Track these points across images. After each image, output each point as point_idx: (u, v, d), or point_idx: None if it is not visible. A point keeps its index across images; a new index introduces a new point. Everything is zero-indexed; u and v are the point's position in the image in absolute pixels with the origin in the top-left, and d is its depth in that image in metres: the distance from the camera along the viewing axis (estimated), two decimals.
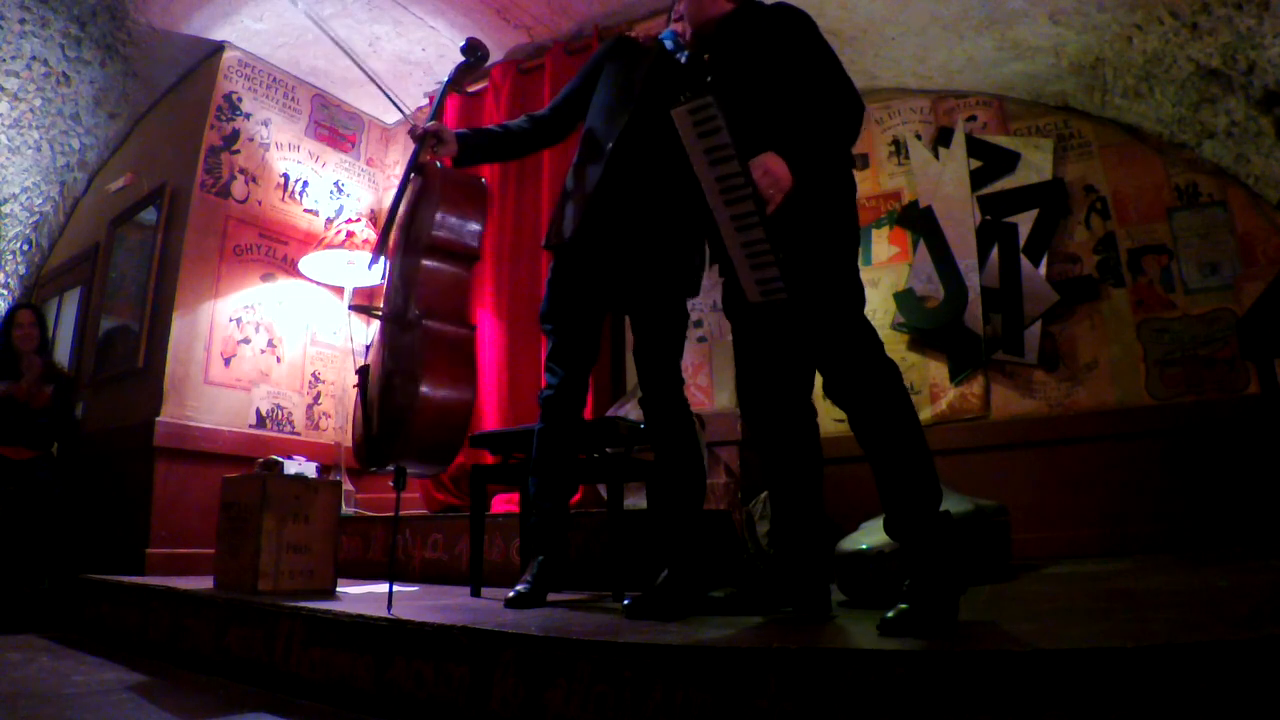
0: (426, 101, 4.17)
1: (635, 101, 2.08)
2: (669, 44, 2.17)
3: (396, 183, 2.33)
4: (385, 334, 2.22)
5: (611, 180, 2.03)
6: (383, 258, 2.24)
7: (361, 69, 2.47)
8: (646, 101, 2.07)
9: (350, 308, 2.94)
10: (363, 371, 2.14)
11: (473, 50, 2.32)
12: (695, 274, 2.11)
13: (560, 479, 2.13)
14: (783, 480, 1.77)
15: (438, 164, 2.29)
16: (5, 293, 4.77)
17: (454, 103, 4.06)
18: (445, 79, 2.35)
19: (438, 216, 2.18)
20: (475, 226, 2.25)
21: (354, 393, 2.36)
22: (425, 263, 2.17)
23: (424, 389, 2.02)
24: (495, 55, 3.97)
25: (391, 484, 2.05)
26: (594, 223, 2.03)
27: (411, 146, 2.21)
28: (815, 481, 1.77)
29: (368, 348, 2.34)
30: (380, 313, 2.24)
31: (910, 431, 1.53)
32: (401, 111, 2.55)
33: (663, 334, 2.04)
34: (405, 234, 2.25)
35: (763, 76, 1.67)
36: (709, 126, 1.43)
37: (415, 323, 2.10)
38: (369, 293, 4.01)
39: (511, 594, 1.99)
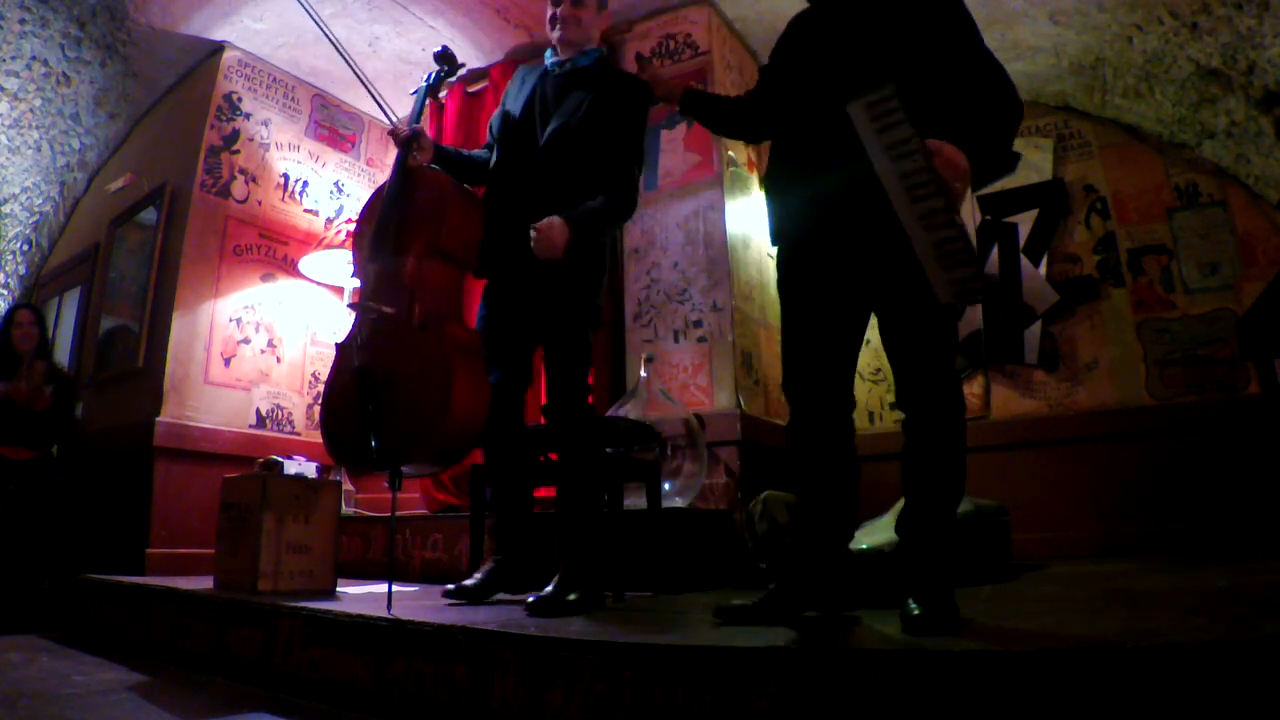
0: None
1: (499, 144, 2.22)
2: (548, 62, 2.26)
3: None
4: (380, 337, 2.11)
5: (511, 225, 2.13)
6: (366, 258, 2.21)
7: (359, 76, 2.44)
8: (510, 141, 2.21)
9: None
10: (362, 374, 2.04)
11: (445, 60, 2.36)
12: (596, 312, 2.20)
13: (511, 488, 2.22)
14: (818, 475, 1.62)
15: (433, 166, 2.29)
16: (5, 293, 4.77)
17: (454, 102, 4.06)
18: (423, 86, 2.37)
19: (445, 219, 2.16)
20: (475, 229, 2.22)
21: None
22: (432, 264, 2.13)
23: (456, 390, 1.97)
24: (495, 55, 3.97)
25: (387, 484, 2.04)
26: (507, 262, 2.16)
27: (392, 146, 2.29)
28: (853, 479, 1.65)
29: (338, 346, 2.20)
30: (387, 312, 2.15)
31: (963, 442, 1.54)
32: (389, 120, 2.53)
33: (566, 362, 2.12)
34: (400, 235, 2.17)
35: (907, 49, 1.54)
36: (890, 120, 1.32)
37: (432, 325, 2.06)
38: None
39: (452, 585, 2.07)
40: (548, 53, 2.28)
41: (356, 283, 3.66)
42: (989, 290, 3.45)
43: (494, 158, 2.27)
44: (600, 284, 2.21)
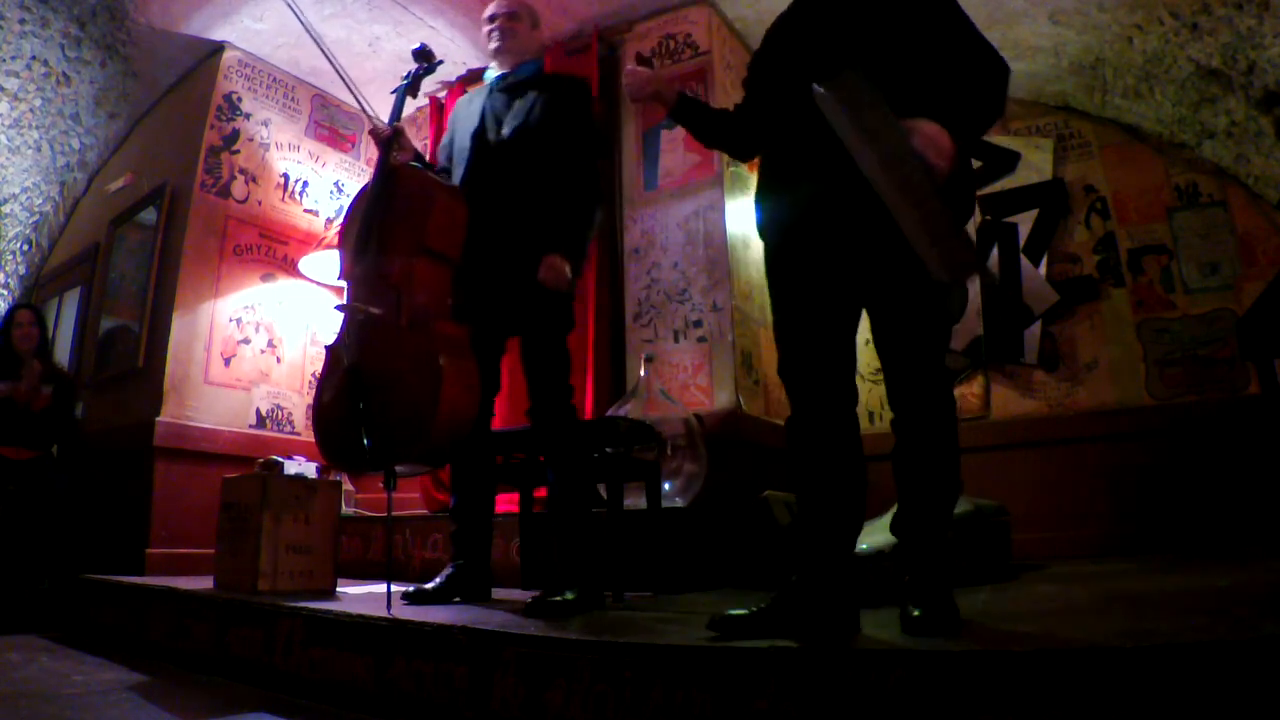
0: (427, 101, 4.17)
1: (467, 160, 2.26)
2: (491, 79, 2.36)
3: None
4: (369, 337, 2.09)
5: (479, 235, 2.19)
6: (352, 259, 2.20)
7: (340, 74, 2.44)
8: (479, 154, 2.25)
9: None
10: (353, 374, 2.03)
11: (423, 56, 2.39)
12: (571, 313, 2.24)
13: (473, 493, 2.26)
14: (821, 471, 1.52)
15: (414, 165, 2.30)
16: (5, 293, 4.77)
17: (454, 101, 4.06)
18: (402, 84, 2.38)
19: (430, 216, 2.14)
20: (460, 227, 2.21)
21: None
22: (419, 262, 2.12)
23: (446, 388, 1.97)
24: None
25: (382, 485, 2.05)
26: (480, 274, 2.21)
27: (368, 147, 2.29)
28: (859, 477, 1.54)
29: (328, 348, 2.21)
30: (374, 313, 2.11)
31: (954, 440, 1.52)
32: (371, 120, 2.52)
33: (548, 365, 2.16)
34: (385, 234, 2.16)
35: (887, 34, 1.52)
36: (860, 100, 1.31)
37: (421, 324, 2.05)
38: None
39: (413, 589, 2.09)
40: (488, 73, 2.38)
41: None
42: (992, 287, 3.45)
43: (458, 176, 2.29)
44: (574, 286, 2.25)
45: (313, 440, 3.70)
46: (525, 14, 2.36)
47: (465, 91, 4.07)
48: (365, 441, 1.94)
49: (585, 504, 2.16)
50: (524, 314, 2.16)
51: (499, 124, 2.25)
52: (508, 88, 2.29)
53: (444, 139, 2.44)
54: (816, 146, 1.48)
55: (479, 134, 2.27)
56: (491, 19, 2.32)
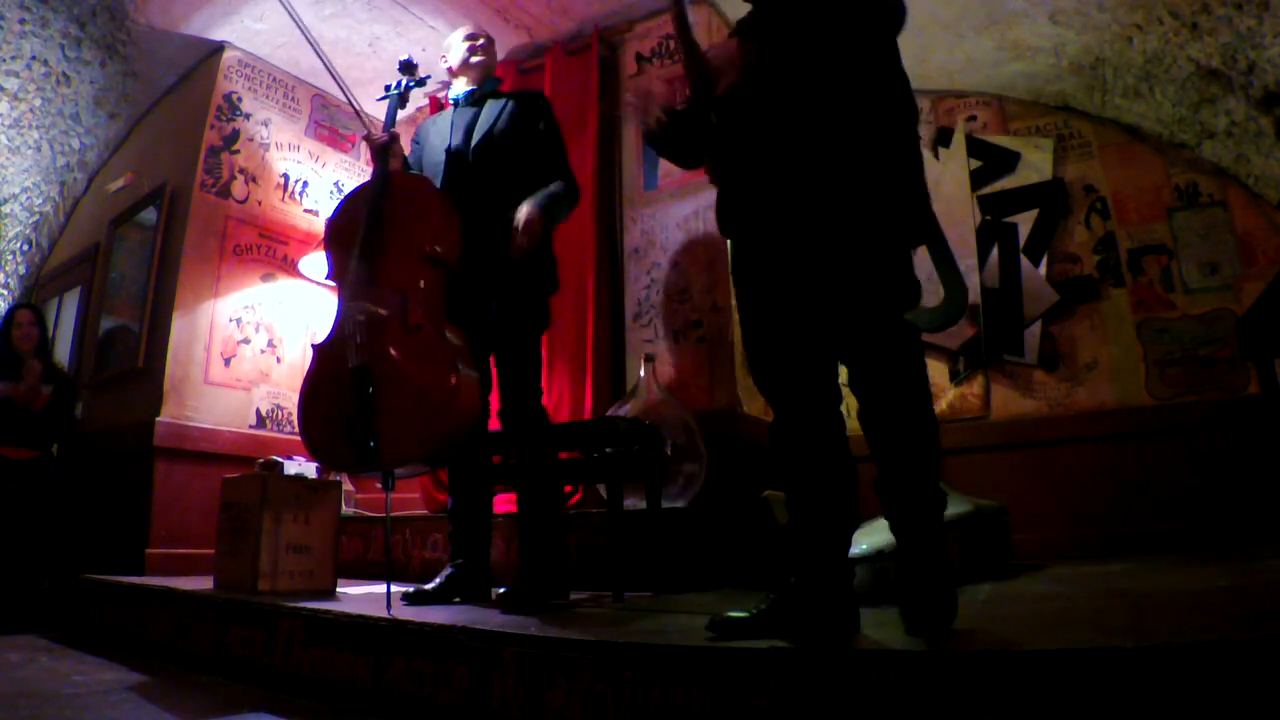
0: (427, 102, 4.17)
1: (444, 171, 2.36)
2: (454, 98, 2.51)
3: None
4: (373, 339, 2.11)
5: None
6: (354, 263, 2.21)
7: (334, 76, 2.49)
8: (453, 167, 2.35)
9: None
10: (361, 373, 2.04)
11: (408, 70, 2.55)
12: (546, 313, 2.35)
13: (472, 494, 2.33)
14: (811, 477, 1.51)
15: (410, 171, 2.38)
16: (5, 293, 4.77)
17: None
18: (394, 94, 2.52)
19: (430, 221, 2.21)
20: (456, 231, 2.25)
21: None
22: (421, 266, 2.17)
23: (455, 390, 2.01)
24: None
25: (379, 485, 2.08)
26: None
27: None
28: (849, 479, 1.53)
29: (316, 348, 2.22)
30: (380, 315, 2.13)
31: (925, 393, 1.50)
32: (366, 125, 2.61)
33: (520, 365, 2.25)
34: (388, 238, 2.21)
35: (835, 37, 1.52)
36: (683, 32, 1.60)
37: (426, 326, 2.09)
38: None
39: (413, 589, 2.14)
40: (451, 95, 2.53)
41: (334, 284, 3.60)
42: (986, 294, 3.46)
43: None
44: (550, 285, 2.34)
45: None
46: (493, 39, 2.61)
47: None
48: (370, 444, 1.96)
49: (556, 503, 2.26)
50: (501, 311, 2.23)
51: (468, 134, 2.36)
52: (474, 101, 2.44)
53: (410, 157, 2.50)
54: (770, 149, 1.51)
55: (449, 147, 2.37)
56: (474, 37, 2.53)
